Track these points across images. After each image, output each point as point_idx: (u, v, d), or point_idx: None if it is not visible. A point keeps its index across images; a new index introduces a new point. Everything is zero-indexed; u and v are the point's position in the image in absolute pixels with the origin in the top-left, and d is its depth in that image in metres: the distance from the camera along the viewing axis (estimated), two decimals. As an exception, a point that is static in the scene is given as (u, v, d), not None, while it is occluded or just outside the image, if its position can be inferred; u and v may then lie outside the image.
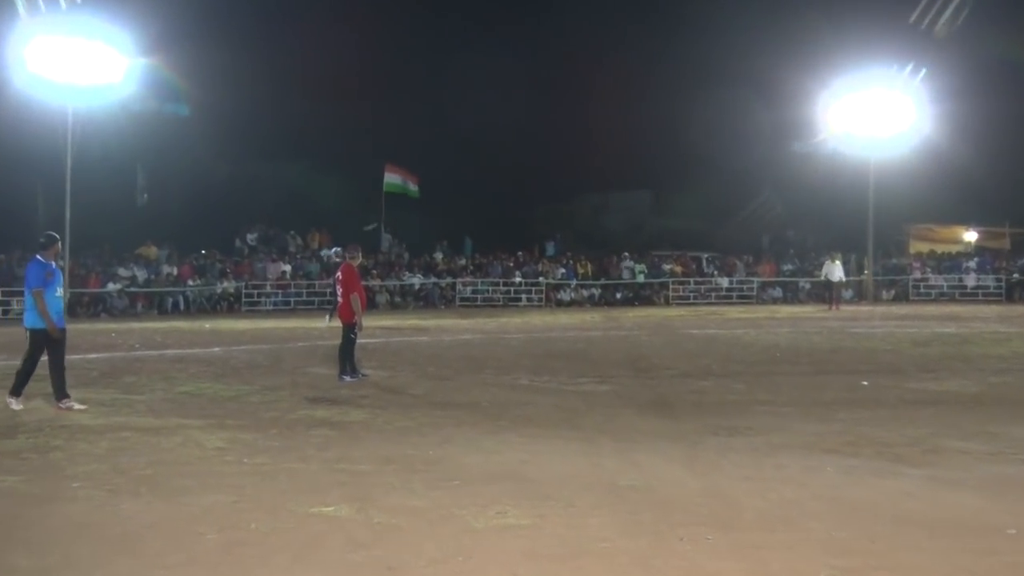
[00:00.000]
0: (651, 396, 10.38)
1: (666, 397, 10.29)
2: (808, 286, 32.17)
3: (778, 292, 32.47)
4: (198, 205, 31.92)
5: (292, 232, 32.35)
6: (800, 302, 31.21)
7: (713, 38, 37.99)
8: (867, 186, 30.92)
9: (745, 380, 11.66)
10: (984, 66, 31.30)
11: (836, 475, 6.52)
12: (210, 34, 31.10)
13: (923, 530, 5.22)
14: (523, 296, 31.01)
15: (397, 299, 29.82)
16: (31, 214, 29.70)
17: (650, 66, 37.58)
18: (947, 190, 33.97)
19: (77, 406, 9.30)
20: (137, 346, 16.29)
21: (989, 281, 31.77)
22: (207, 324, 22.33)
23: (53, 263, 9.49)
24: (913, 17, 22.74)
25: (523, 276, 31.49)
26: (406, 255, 32.80)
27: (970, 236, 37.47)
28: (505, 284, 31.22)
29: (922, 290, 32.23)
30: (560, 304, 30.69)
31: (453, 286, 30.81)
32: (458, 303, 30.21)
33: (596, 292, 31.75)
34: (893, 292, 32.17)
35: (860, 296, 31.39)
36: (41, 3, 22.28)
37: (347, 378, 11.63)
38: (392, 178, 33.31)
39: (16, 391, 9.35)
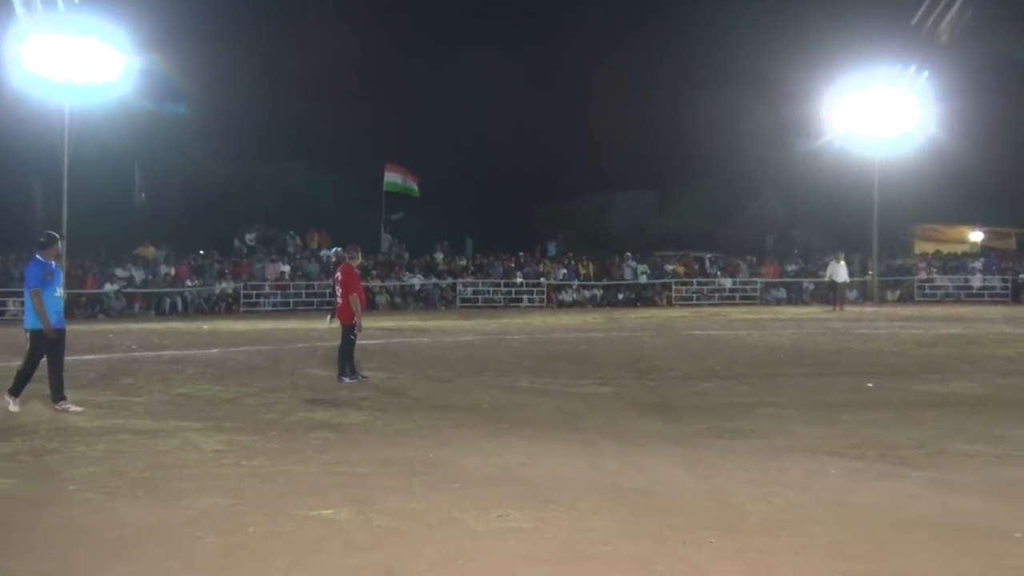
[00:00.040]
0: (653, 398, 10.38)
1: (668, 399, 10.28)
2: (812, 287, 32.15)
3: (782, 293, 32.45)
4: (196, 205, 31.95)
5: (291, 232, 32.36)
6: (804, 303, 31.18)
7: (717, 36, 38.02)
8: (872, 186, 30.89)
9: (748, 382, 11.65)
10: (990, 64, 31.29)
11: (840, 478, 6.51)
12: (208, 32, 31.16)
13: (928, 534, 5.22)
14: (524, 297, 31.00)
15: (397, 300, 29.82)
16: (28, 214, 29.72)
17: (653, 64, 37.62)
18: (953, 190, 33.94)
19: (74, 408, 9.30)
20: (134, 347, 16.30)
21: (995, 282, 31.72)
22: (205, 325, 22.33)
23: (53, 263, 9.49)
24: (915, 20, 22.75)
25: (524, 277, 31.48)
26: (406, 255, 32.79)
27: (976, 236, 37.41)
28: (506, 285, 31.21)
29: (927, 291, 32.20)
30: (562, 305, 30.68)
31: (454, 287, 30.81)
32: (459, 304, 30.19)
33: (598, 293, 31.73)
34: (898, 293, 32.14)
35: (865, 297, 31.37)
36: (38, 1, 22.29)
37: (346, 380, 11.63)
38: (392, 177, 33.32)
39: (15, 391, 9.37)
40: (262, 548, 5.01)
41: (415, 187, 33.87)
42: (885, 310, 27.11)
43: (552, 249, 35.15)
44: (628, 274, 32.42)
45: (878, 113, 29.71)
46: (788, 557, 4.82)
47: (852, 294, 30.48)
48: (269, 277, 29.20)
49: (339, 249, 16.08)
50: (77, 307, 24.87)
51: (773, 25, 34.15)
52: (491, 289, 31.10)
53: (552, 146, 41.73)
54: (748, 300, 31.83)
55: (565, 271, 32.16)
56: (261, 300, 28.58)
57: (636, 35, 42.72)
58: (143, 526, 5.40)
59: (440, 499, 5.90)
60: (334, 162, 36.31)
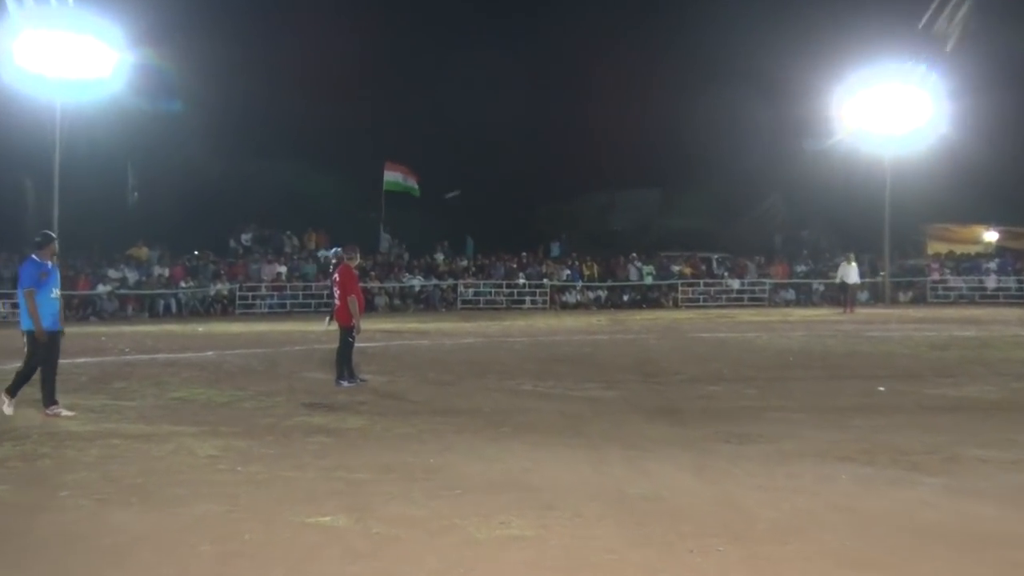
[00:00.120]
0: (659, 402, 10.37)
1: (675, 403, 10.27)
2: (822, 288, 32.16)
3: (791, 294, 32.46)
4: (191, 204, 31.95)
5: (288, 232, 32.40)
6: (814, 305, 31.20)
7: (723, 32, 37.94)
8: (883, 184, 30.90)
9: (757, 385, 11.64)
10: (1004, 59, 31.23)
11: (851, 484, 6.50)
12: (203, 27, 31.12)
13: (941, 541, 5.21)
14: (527, 298, 31.02)
15: (396, 301, 29.84)
16: (19, 213, 29.78)
17: (658, 61, 37.55)
18: (966, 188, 33.88)
19: (65, 412, 9.31)
20: (127, 350, 16.31)
21: (1010, 283, 31.72)
22: (200, 327, 22.35)
23: (49, 263, 9.50)
24: (922, 23, 22.82)
25: (527, 278, 31.50)
26: (406, 256, 32.83)
27: (990, 236, 37.39)
28: (508, 286, 31.24)
29: (940, 292, 32.19)
30: (565, 307, 30.70)
31: (454, 288, 30.83)
32: (460, 306, 30.22)
33: (602, 294, 31.75)
34: (910, 294, 32.14)
35: (876, 298, 31.36)
36: (29, -4, 22.37)
37: (345, 383, 11.63)
38: (392, 176, 33.35)
39: (12, 391, 9.39)
40: (258, 556, 5.01)
41: (415, 186, 33.90)
42: (897, 312, 27.10)
43: (555, 249, 35.19)
44: (633, 275, 32.44)
45: (889, 110, 29.74)
46: (798, 565, 4.81)
47: (863, 295, 30.47)
48: (265, 278, 29.23)
49: (337, 249, 16.06)
50: (69, 309, 24.84)
51: (781, 20, 34.11)
52: (493, 290, 31.12)
53: (554, 144, 41.70)
54: (756, 302, 31.84)
55: (569, 272, 32.19)
56: (257, 302, 28.61)
57: (639, 31, 42.72)
58: (137, 533, 5.40)
59: (441, 506, 5.90)
60: (332, 160, 36.30)
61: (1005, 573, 4.76)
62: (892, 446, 7.72)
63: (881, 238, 31.44)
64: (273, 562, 4.91)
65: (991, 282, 31.97)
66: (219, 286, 28.35)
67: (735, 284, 32.69)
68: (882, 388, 11.20)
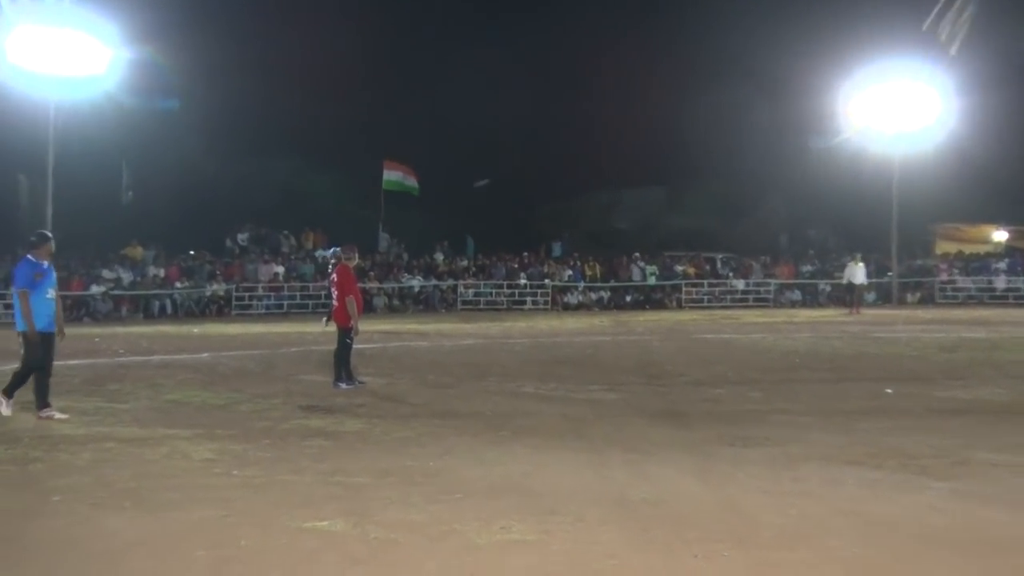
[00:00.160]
0: (663, 405, 10.37)
1: (679, 406, 10.27)
2: (829, 288, 32.15)
3: (797, 295, 32.46)
4: (186, 203, 32.00)
5: (285, 232, 32.40)
6: (820, 305, 31.19)
7: (729, 29, 38.02)
8: (891, 183, 30.87)
9: (762, 388, 11.64)
10: (1014, 56, 31.23)
11: (858, 489, 6.49)
12: (199, 24, 31.18)
13: (951, 548, 5.19)
14: (528, 299, 31.02)
15: (395, 302, 29.84)
16: (12, 212, 29.82)
17: (661, 57, 37.55)
18: (975, 187, 33.92)
19: (58, 415, 9.30)
20: (122, 352, 16.31)
21: (1020, 283, 31.68)
22: (195, 328, 22.35)
23: (45, 263, 9.50)
24: (925, 26, 22.80)
25: (528, 278, 31.50)
26: (405, 256, 32.85)
27: (1000, 236, 37.38)
28: (509, 286, 31.24)
29: (949, 293, 32.17)
30: (567, 307, 30.70)
31: (454, 288, 30.84)
32: (460, 306, 30.22)
33: (605, 295, 31.75)
34: (918, 295, 32.12)
35: (883, 299, 31.34)
36: (22, -9, 22.37)
37: (343, 385, 11.62)
38: (391, 175, 33.37)
39: (9, 392, 9.38)
40: (254, 562, 5.00)
41: (415, 185, 33.93)
42: (905, 313, 27.09)
43: (557, 249, 35.19)
44: (636, 275, 32.44)
45: (896, 108, 29.70)
46: (804, 571, 4.80)
47: (870, 296, 30.48)
48: (262, 278, 29.23)
49: (335, 249, 16.09)
50: (62, 309, 24.88)
51: (787, 17, 34.13)
52: (493, 291, 31.12)
53: (556, 142, 41.77)
54: (761, 302, 31.84)
55: (571, 272, 32.19)
56: (254, 302, 28.62)
57: (642, 28, 42.66)
58: (130, 539, 5.39)
59: (440, 510, 5.89)
60: (330, 159, 36.37)
61: (1016, 579, 4.75)
62: (900, 450, 7.71)
63: (888, 238, 31.42)
64: (269, 568, 4.90)
65: (1001, 283, 31.94)
66: (215, 287, 28.34)
67: (740, 285, 32.68)
68: (890, 390, 11.19)
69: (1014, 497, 6.30)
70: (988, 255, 34.52)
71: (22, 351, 9.40)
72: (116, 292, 26.76)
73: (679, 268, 33.00)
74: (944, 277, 32.66)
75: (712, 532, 5.41)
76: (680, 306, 31.28)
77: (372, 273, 29.95)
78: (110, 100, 25.17)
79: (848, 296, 28.42)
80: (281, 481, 6.72)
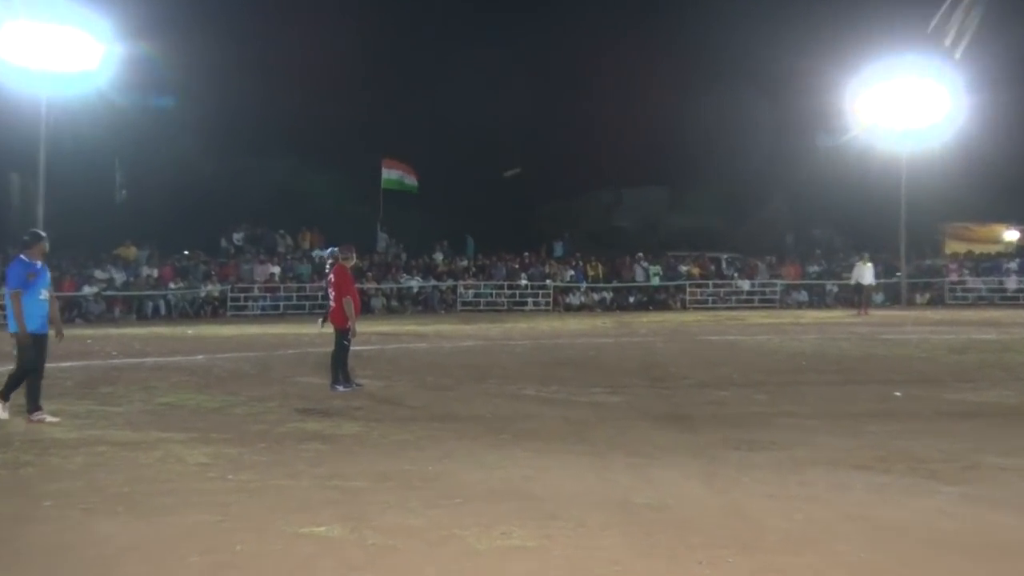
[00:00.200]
0: (667, 408, 10.37)
1: (683, 409, 10.27)
2: (836, 289, 32.16)
3: (803, 296, 32.47)
4: (180, 202, 32.00)
5: (281, 231, 32.40)
6: (827, 306, 31.22)
7: (733, 25, 37.96)
8: (899, 182, 30.86)
9: (768, 390, 11.64)
10: (1024, 51, 31.21)
11: (866, 493, 6.49)
12: (194, 19, 31.20)
13: (960, 553, 5.19)
14: (529, 300, 31.03)
15: (394, 303, 29.85)
16: (4, 211, 29.83)
17: (664, 54, 37.53)
18: (986, 185, 33.89)
19: (49, 419, 9.30)
20: (114, 354, 16.31)
21: (1031, 284, 31.69)
22: (190, 330, 22.36)
23: (39, 263, 9.51)
24: (930, 28, 22.73)
25: (529, 278, 31.51)
26: (404, 256, 32.84)
27: (1011, 235, 37.37)
28: (510, 287, 31.25)
29: (959, 293, 32.17)
30: (569, 309, 30.71)
31: (454, 289, 30.85)
32: (459, 307, 30.23)
33: (607, 296, 31.76)
34: (927, 296, 32.13)
35: (892, 300, 31.34)
36: (14, -14, 22.37)
37: (340, 388, 11.63)
38: (390, 174, 33.38)
39: (5, 395, 9.39)
40: (250, 568, 5.00)
41: (414, 184, 33.93)
42: (913, 314, 27.08)
43: (558, 249, 35.17)
44: (639, 276, 32.44)
45: (904, 105, 29.67)
46: (811, 577, 4.80)
47: (878, 297, 30.46)
48: (258, 279, 29.24)
49: (333, 249, 16.07)
50: (58, 310, 24.89)
51: (793, 13, 34.15)
52: (494, 292, 31.13)
53: (558, 140, 41.74)
54: (767, 303, 31.85)
55: (572, 272, 32.20)
56: (249, 303, 28.63)
57: (645, 24, 42.70)
58: (123, 544, 5.39)
59: (439, 515, 5.89)
60: (327, 157, 36.35)
61: (1027, 586, 4.75)
62: (909, 453, 7.71)
63: (897, 237, 31.40)
64: (265, 574, 4.90)
65: (1012, 283, 31.92)
66: (210, 287, 28.35)
67: (745, 285, 32.69)
68: (898, 393, 11.19)
69: (1025, 502, 6.30)
70: (999, 255, 34.49)
71: (15, 352, 9.40)
72: (109, 293, 26.76)
73: (683, 268, 33.00)
74: (954, 278, 32.65)
75: (717, 537, 5.41)
76: (684, 307, 31.30)
77: (370, 273, 29.96)
78: (103, 97, 25.17)
79: (856, 297, 28.42)
80: (277, 485, 6.72)
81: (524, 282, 31.36)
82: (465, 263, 32.48)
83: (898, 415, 9.77)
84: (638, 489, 6.57)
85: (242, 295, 28.67)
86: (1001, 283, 32.14)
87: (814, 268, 33.65)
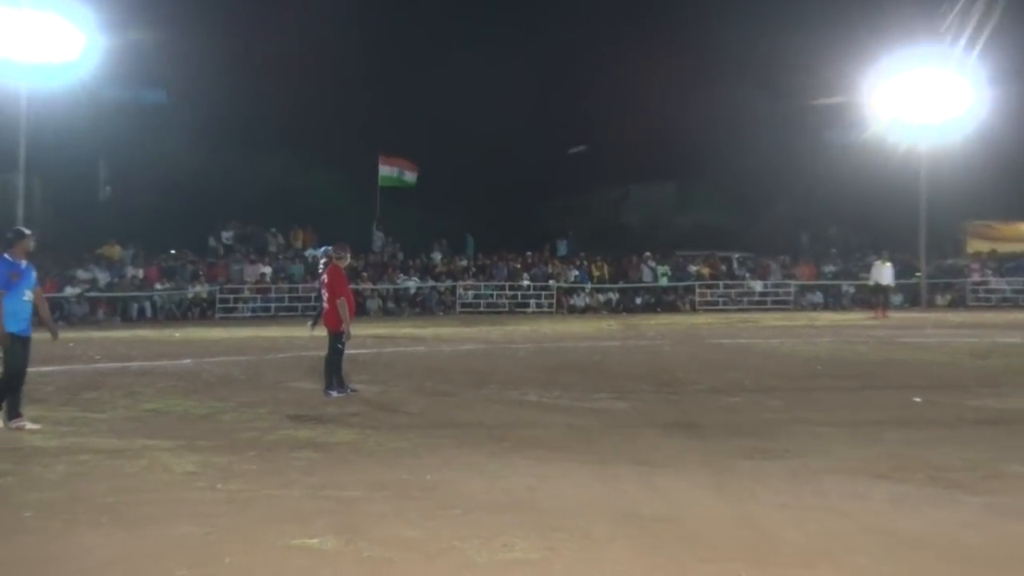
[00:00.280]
0: (675, 414, 10.37)
1: (692, 415, 10.27)
2: (853, 290, 32.13)
3: (819, 297, 32.44)
4: (167, 199, 31.97)
5: (272, 230, 32.42)
6: (843, 308, 31.19)
7: (746, 14, 37.92)
8: (918, 178, 30.83)
9: (781, 396, 11.64)
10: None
11: (884, 504, 6.49)
12: (182, 9, 31.18)
13: (983, 566, 5.19)
14: (531, 301, 31.03)
15: (390, 305, 29.85)
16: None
17: (672, 46, 37.49)
18: (1009, 181, 33.82)
19: (30, 425, 9.30)
20: (98, 358, 16.32)
21: (1058, 285, 31.67)
22: (177, 333, 22.37)
23: (23, 263, 9.50)
24: (944, 27, 22.80)
25: (531, 279, 31.51)
26: (400, 255, 32.85)
27: (1036, 234, 37.34)
28: (511, 288, 31.24)
29: (982, 295, 32.13)
30: (573, 310, 30.71)
31: (453, 290, 30.85)
32: (458, 309, 30.24)
33: (613, 297, 31.75)
34: (949, 297, 32.09)
35: (911, 302, 31.32)
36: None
37: (334, 393, 11.63)
38: (387, 170, 33.38)
39: None
40: (239, 581, 5.00)
41: (412, 178, 33.93)
42: (934, 316, 27.08)
43: (562, 248, 35.16)
44: (647, 276, 32.43)
45: (924, 97, 29.64)
46: (827, 592, 4.80)
47: (897, 298, 30.44)
48: (248, 280, 29.25)
49: (326, 248, 16.07)
50: (33, 313, 24.89)
51: (807, 2, 34.14)
52: (494, 293, 31.13)
53: (562, 133, 41.72)
54: (781, 305, 31.83)
55: (577, 272, 32.19)
56: (239, 305, 28.63)
57: (653, 14, 42.64)
58: (107, 557, 5.39)
59: (438, 527, 5.89)
60: (320, 152, 36.32)
61: (1053, 601, 4.74)
62: (929, 462, 7.71)
63: (916, 236, 31.39)
64: (255, 588, 4.90)
65: (1037, 284, 31.90)
66: (198, 288, 28.36)
67: (757, 286, 32.67)
68: (918, 399, 11.19)
69: (1051, 513, 6.29)
70: (1024, 254, 34.50)
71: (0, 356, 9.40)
72: (92, 294, 26.77)
73: (693, 268, 32.98)
74: (976, 278, 32.62)
75: (728, 550, 5.40)
76: (694, 309, 31.28)
77: (365, 274, 29.97)
78: (87, 89, 25.19)
79: (874, 298, 28.39)
80: (268, 495, 6.72)
81: (526, 283, 31.35)
82: (465, 263, 32.48)
83: (918, 422, 9.76)
84: (645, 499, 6.57)
85: (231, 296, 28.68)
86: (1026, 283, 32.12)
87: (830, 268, 33.62)
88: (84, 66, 24.23)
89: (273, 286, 29.26)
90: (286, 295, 29.12)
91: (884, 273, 27.84)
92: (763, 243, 35.85)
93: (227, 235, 31.65)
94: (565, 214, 41.24)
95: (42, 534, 5.85)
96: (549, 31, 42.17)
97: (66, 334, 21.92)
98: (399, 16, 40.51)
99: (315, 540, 5.61)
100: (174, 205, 31.83)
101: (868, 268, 29.51)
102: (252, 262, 29.82)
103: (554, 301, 30.96)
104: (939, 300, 31.83)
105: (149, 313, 27.14)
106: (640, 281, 32.33)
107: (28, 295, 9.46)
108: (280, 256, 31.01)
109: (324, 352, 12.00)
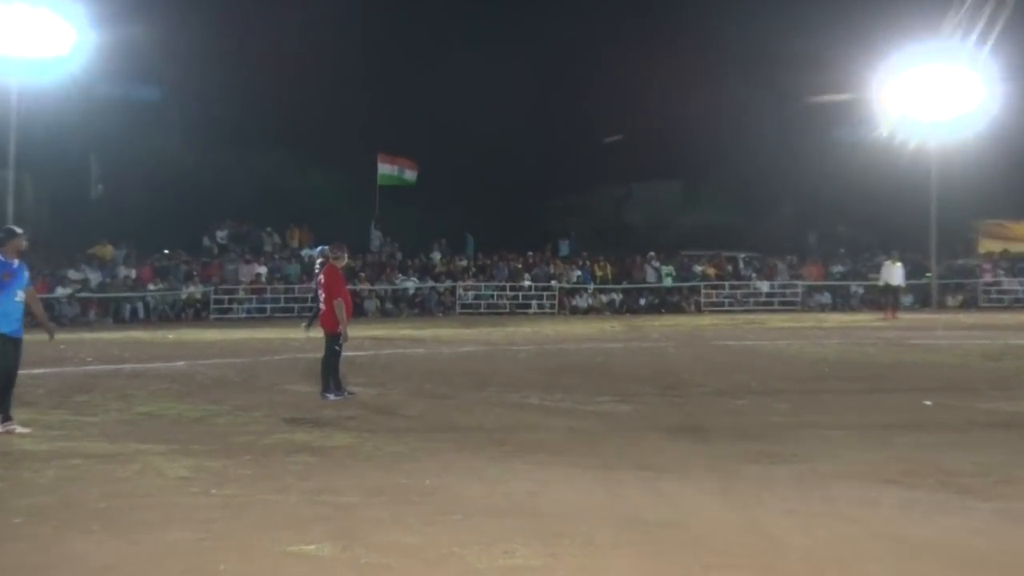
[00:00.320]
0: (680, 417, 10.37)
1: (697, 419, 10.27)
2: (861, 291, 32.12)
3: (827, 298, 32.43)
4: (160, 198, 31.98)
5: (268, 229, 32.42)
6: (852, 309, 31.20)
7: (752, 7, 37.95)
8: (929, 176, 30.82)
9: (789, 399, 11.63)
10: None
11: (894, 509, 6.49)
12: (176, 3, 31.19)
13: (995, 574, 5.18)
14: (533, 302, 31.04)
15: (388, 306, 29.86)
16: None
17: (677, 40, 37.45)
18: (1022, 180, 33.81)
19: (20, 429, 9.29)
20: (90, 360, 16.32)
21: (1072, 285, 31.67)
22: (170, 334, 22.37)
23: (15, 262, 9.50)
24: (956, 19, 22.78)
25: (533, 279, 31.51)
26: (399, 255, 32.85)
27: (1050, 233, 37.30)
28: (512, 289, 31.25)
29: (994, 295, 32.13)
30: (575, 311, 30.71)
31: (453, 291, 30.84)
32: (458, 310, 30.24)
33: (616, 297, 31.76)
34: (960, 298, 32.08)
35: (921, 302, 31.31)
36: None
37: (331, 396, 11.63)
38: (386, 169, 33.39)
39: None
40: (234, 589, 5.00)
41: (411, 176, 33.93)
42: (945, 317, 27.07)
43: (564, 248, 35.17)
44: (651, 276, 32.43)
45: (934, 94, 29.61)
46: (835, 600, 4.80)
47: (907, 299, 30.43)
48: (243, 280, 29.25)
49: (323, 248, 16.11)
50: (26, 313, 24.89)
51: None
52: (495, 293, 31.14)
53: (564, 131, 41.69)
54: (788, 306, 31.83)
55: (579, 273, 32.19)
56: (234, 306, 28.63)
57: (656, 10, 42.62)
58: (99, 564, 5.39)
59: (437, 532, 5.89)
60: (317, 149, 36.33)
61: (1067, 609, 4.74)
62: (939, 467, 7.70)
63: (927, 235, 31.38)
64: (250, 596, 4.90)
65: (1050, 285, 31.91)
66: (191, 289, 28.36)
67: (764, 287, 32.67)
68: (929, 402, 11.19)
69: (1065, 519, 6.29)
70: (1037, 254, 34.47)
71: None
72: (83, 294, 26.77)
73: (698, 268, 32.98)
74: (988, 278, 32.61)
75: (734, 556, 5.40)
76: (699, 310, 31.28)
77: (363, 274, 29.96)
78: (78, 85, 25.18)
79: (883, 299, 28.39)
80: (263, 501, 6.72)
81: (527, 283, 31.36)
82: (464, 263, 32.48)
83: (928, 426, 9.77)
84: (649, 505, 6.56)
85: (226, 297, 28.67)
86: (1039, 284, 32.12)
87: (838, 268, 33.62)
88: (75, 61, 24.24)
89: (269, 287, 29.26)
90: (282, 296, 29.12)
91: (894, 273, 27.83)
92: (770, 243, 35.85)
93: (222, 234, 31.64)
94: (567, 213, 41.25)
95: (32, 541, 5.85)
96: (551, 30, 42.15)
97: (57, 336, 22.01)
98: (399, 14, 40.52)
99: (312, 547, 5.61)
100: (167, 203, 31.83)
101: (877, 268, 29.51)
102: (247, 262, 29.81)
103: (556, 302, 30.96)
104: (950, 301, 31.82)
105: (142, 314, 27.13)
106: (644, 281, 32.33)
107: (20, 295, 9.46)
108: (276, 256, 31.00)
109: (321, 354, 12.00)
